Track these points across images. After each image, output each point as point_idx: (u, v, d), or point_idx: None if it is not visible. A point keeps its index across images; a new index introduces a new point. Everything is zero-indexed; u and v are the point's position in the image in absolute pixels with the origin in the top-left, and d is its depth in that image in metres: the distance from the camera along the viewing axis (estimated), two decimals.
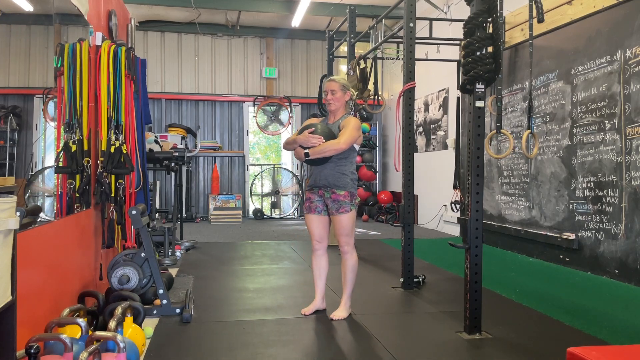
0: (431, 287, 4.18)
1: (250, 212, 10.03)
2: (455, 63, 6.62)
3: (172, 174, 6.85)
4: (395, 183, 9.66)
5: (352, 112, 5.73)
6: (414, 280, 4.14)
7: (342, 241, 3.26)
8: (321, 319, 3.30)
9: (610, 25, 4.49)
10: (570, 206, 4.90)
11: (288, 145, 3.30)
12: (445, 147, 7.79)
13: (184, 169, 8.58)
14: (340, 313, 3.28)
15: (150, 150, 5.40)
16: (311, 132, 3.14)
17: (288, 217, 9.93)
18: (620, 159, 4.32)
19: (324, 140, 3.12)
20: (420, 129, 8.69)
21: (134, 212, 3.32)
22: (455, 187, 6.59)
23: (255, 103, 9.85)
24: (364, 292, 4.02)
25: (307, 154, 3.13)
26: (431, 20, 6.26)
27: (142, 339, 2.61)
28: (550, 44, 5.25)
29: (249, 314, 3.41)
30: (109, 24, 3.92)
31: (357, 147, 3.27)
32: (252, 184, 10.06)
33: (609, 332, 3.03)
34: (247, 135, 10.14)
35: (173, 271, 4.58)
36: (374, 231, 7.94)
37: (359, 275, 4.61)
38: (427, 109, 8.48)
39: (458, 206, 6.61)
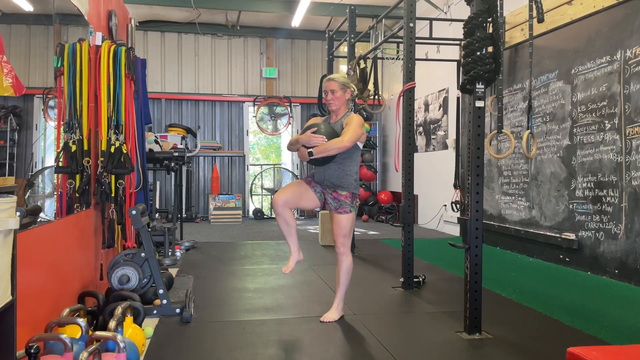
0: (431, 287, 4.18)
1: (250, 212, 10.03)
2: (455, 63, 6.62)
3: (172, 174, 6.85)
4: (395, 183, 9.67)
5: (353, 111, 5.75)
6: (414, 280, 4.14)
7: (338, 242, 3.24)
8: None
9: (610, 25, 4.49)
10: (570, 206, 4.90)
11: (291, 146, 3.26)
12: (445, 147, 7.79)
13: (184, 169, 8.59)
14: (331, 315, 3.25)
15: (150, 150, 5.40)
16: (314, 132, 3.10)
17: None
18: (620, 159, 4.32)
19: (326, 140, 3.07)
20: (420, 129, 8.69)
21: (134, 212, 3.31)
22: (455, 187, 6.59)
23: (255, 103, 9.85)
24: (364, 292, 4.02)
25: (310, 153, 3.09)
26: (431, 20, 6.26)
27: (142, 339, 2.61)
28: (550, 44, 5.25)
29: (249, 314, 3.41)
30: (109, 24, 3.92)
31: (360, 145, 3.22)
32: (252, 184, 10.07)
33: (609, 332, 3.03)
34: (247, 135, 10.14)
35: (173, 271, 4.58)
36: (374, 231, 7.94)
37: (359, 275, 4.62)
38: (427, 109, 8.48)
39: (458, 206, 6.61)
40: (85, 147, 3.27)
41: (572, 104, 4.93)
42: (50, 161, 3.39)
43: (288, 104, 9.92)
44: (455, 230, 7.37)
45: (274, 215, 10.08)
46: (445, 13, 7.63)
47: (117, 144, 3.39)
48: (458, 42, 6.27)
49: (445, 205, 7.61)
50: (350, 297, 3.82)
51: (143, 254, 3.30)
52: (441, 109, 7.98)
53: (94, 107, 3.40)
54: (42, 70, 3.23)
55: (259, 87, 10.16)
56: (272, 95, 10.01)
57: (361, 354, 2.71)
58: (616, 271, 4.34)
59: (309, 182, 3.28)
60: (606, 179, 4.47)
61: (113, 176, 3.41)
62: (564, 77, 5.05)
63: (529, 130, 4.35)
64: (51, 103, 3.34)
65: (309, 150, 3.10)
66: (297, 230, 3.30)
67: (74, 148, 3.21)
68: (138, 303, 2.89)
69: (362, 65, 5.67)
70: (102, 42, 3.46)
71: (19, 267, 1.69)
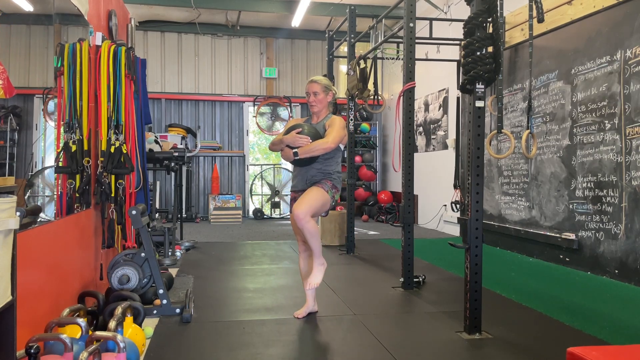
0: (431, 287, 4.18)
1: (250, 212, 10.03)
2: (455, 63, 6.62)
3: (172, 174, 6.85)
4: (395, 183, 9.67)
5: (352, 110, 5.75)
6: (414, 280, 4.14)
7: (298, 210, 3.00)
8: (321, 319, 3.30)
9: (610, 25, 4.49)
10: (570, 206, 4.90)
11: (274, 146, 3.29)
12: (445, 147, 7.79)
13: (184, 169, 8.59)
14: (313, 279, 3.20)
15: (150, 150, 5.40)
16: (298, 133, 3.15)
17: (288, 217, 9.93)
18: (620, 159, 4.32)
19: (310, 140, 3.13)
20: (420, 129, 8.69)
21: (134, 212, 3.32)
22: (455, 187, 6.59)
23: (255, 103, 9.86)
24: (364, 292, 4.02)
25: (296, 154, 3.14)
26: (431, 20, 6.26)
27: (142, 339, 2.61)
28: (550, 44, 5.25)
29: (249, 314, 3.41)
30: (109, 24, 3.92)
31: (342, 146, 3.27)
32: (252, 184, 10.07)
33: (609, 332, 3.03)
34: (247, 135, 10.15)
35: (173, 271, 4.58)
36: (374, 231, 7.94)
37: (359, 275, 4.63)
38: (427, 109, 8.48)
39: (458, 206, 6.62)
40: (85, 147, 3.27)
41: (572, 104, 4.93)
42: (50, 161, 3.39)
43: (288, 104, 9.92)
44: (455, 230, 7.37)
45: (273, 216, 10.09)
46: (445, 13, 7.63)
47: (117, 144, 3.38)
48: (458, 42, 6.27)
49: (445, 205, 7.61)
50: (350, 297, 3.82)
51: (143, 254, 3.30)
52: (441, 109, 7.98)
53: (94, 107, 3.40)
54: (42, 70, 3.23)
55: (259, 87, 10.16)
56: (272, 95, 10.01)
57: (361, 354, 2.71)
58: (616, 271, 4.34)
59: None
60: (606, 179, 4.47)
61: (113, 176, 3.41)
62: (564, 77, 5.05)
63: (528, 130, 4.34)
64: (51, 103, 3.34)
65: (294, 150, 3.13)
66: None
67: (74, 148, 3.21)
68: (138, 303, 2.89)
69: (362, 65, 5.67)
70: (102, 42, 3.46)
71: (19, 267, 1.69)
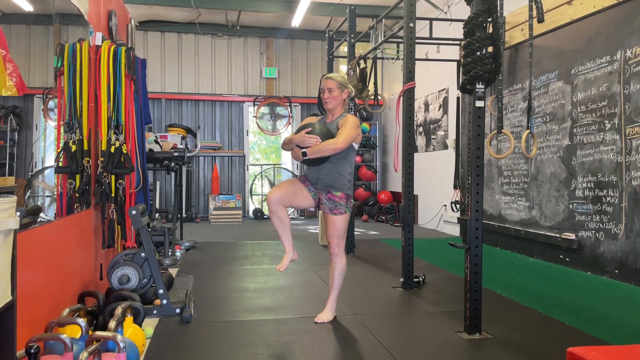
0: (431, 287, 4.18)
1: (250, 212, 10.03)
2: (455, 63, 6.62)
3: (172, 174, 6.86)
4: (395, 183, 9.67)
5: (352, 110, 5.75)
6: (414, 280, 4.14)
7: (333, 243, 3.19)
8: None
9: (610, 25, 4.49)
10: (570, 206, 4.90)
11: (285, 146, 3.24)
12: (445, 147, 7.79)
13: (184, 169, 8.59)
14: (325, 316, 3.24)
15: (150, 150, 5.40)
16: (308, 132, 3.06)
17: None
18: (620, 159, 4.32)
19: (320, 140, 3.03)
20: (420, 129, 8.69)
21: (134, 212, 3.31)
22: (455, 187, 6.59)
23: (255, 103, 9.86)
24: (364, 292, 4.02)
25: (304, 154, 3.05)
26: (431, 20, 6.26)
27: (142, 339, 2.61)
28: (550, 44, 5.25)
29: (249, 314, 3.41)
30: (109, 24, 3.92)
31: (356, 146, 3.19)
32: (252, 184, 10.07)
33: (609, 332, 3.03)
34: (247, 135, 10.14)
35: (173, 271, 4.58)
36: (374, 231, 7.94)
37: (359, 276, 4.62)
38: (427, 109, 8.48)
39: (458, 206, 6.61)
40: (85, 147, 3.27)
41: (572, 104, 4.93)
42: (50, 161, 3.39)
43: (288, 104, 9.92)
44: (455, 230, 7.37)
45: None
46: (445, 13, 7.63)
47: (117, 144, 3.38)
48: (458, 42, 6.27)
49: (445, 205, 7.61)
50: (350, 297, 3.82)
51: (143, 254, 3.30)
52: (441, 109, 7.98)
53: (94, 107, 3.40)
54: (42, 70, 3.24)
55: (259, 87, 10.16)
56: (272, 95, 10.01)
57: (361, 354, 2.71)
58: (616, 271, 4.34)
59: (303, 181, 3.26)
60: (606, 179, 4.47)
61: (113, 176, 3.41)
62: (564, 77, 5.05)
63: (528, 130, 4.34)
64: (51, 103, 3.34)
65: (302, 150, 3.06)
66: (294, 230, 3.27)
67: (74, 148, 3.21)
68: (138, 303, 2.89)
69: (362, 65, 5.67)
70: (102, 42, 3.46)
71: (19, 267, 1.69)
